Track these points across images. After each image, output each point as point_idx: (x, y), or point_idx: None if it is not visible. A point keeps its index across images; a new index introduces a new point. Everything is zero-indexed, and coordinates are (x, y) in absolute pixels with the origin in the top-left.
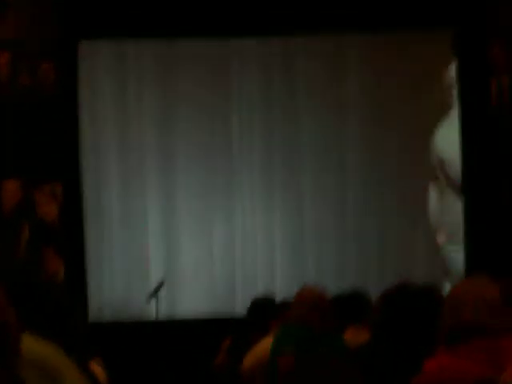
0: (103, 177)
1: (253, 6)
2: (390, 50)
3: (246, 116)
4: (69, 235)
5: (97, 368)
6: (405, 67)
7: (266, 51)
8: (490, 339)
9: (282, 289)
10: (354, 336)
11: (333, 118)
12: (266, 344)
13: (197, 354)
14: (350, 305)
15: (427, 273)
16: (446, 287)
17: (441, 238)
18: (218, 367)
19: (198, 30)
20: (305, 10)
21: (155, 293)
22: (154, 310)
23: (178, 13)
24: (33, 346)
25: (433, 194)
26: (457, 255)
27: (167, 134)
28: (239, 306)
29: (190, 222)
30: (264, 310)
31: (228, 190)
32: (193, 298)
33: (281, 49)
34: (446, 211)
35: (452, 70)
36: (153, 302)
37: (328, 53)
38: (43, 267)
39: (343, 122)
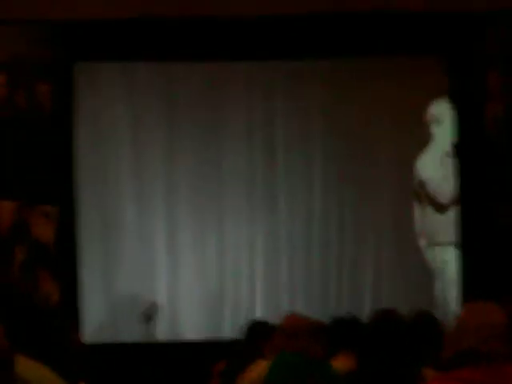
0: (99, 197)
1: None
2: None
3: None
4: (64, 257)
5: None
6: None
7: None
8: (491, 364)
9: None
10: (344, 362)
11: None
12: (259, 368)
13: (191, 377)
14: (344, 331)
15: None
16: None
17: (422, 242)
18: None
19: (193, 55)
20: (294, 36)
21: (148, 315)
22: (147, 333)
23: (172, 37)
24: (26, 368)
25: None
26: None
27: (163, 155)
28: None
29: (189, 242)
30: (258, 333)
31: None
32: (190, 319)
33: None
34: (428, 223)
35: (434, 107)
36: (146, 324)
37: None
38: (37, 289)
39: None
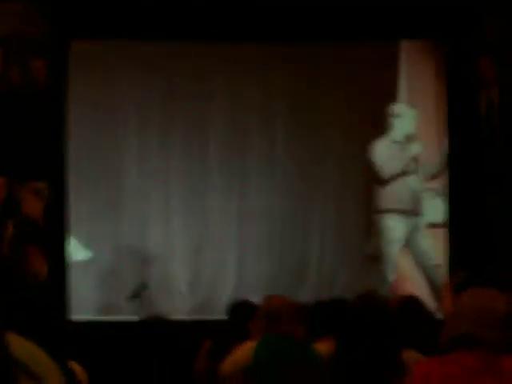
0: (89, 176)
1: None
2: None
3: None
4: (53, 234)
5: (77, 367)
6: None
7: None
8: (484, 350)
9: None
10: (327, 346)
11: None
12: (243, 349)
13: (177, 356)
14: (327, 315)
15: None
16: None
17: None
18: (199, 372)
19: (186, 33)
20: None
21: (137, 293)
22: (136, 310)
23: (168, 15)
24: (16, 346)
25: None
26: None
27: (155, 134)
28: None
29: (179, 220)
30: (243, 313)
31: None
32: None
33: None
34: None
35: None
36: (135, 302)
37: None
38: (26, 265)
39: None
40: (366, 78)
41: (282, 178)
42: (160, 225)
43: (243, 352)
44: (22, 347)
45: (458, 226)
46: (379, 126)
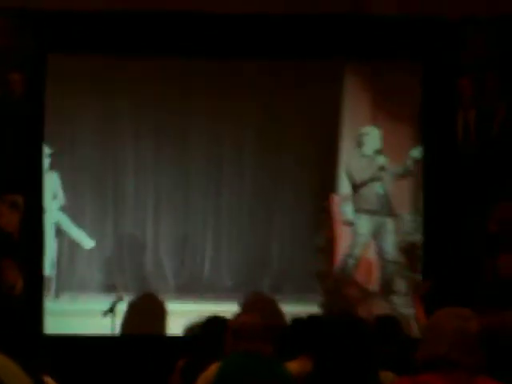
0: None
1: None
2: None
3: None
4: (29, 247)
5: (51, 382)
6: None
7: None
8: (462, 373)
9: None
10: (301, 364)
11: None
12: (212, 368)
13: (153, 372)
14: (304, 332)
15: None
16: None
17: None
18: None
19: (165, 49)
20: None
21: (112, 308)
22: (110, 325)
23: (144, 31)
24: None
25: None
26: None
27: (132, 145)
28: None
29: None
30: (215, 329)
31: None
32: None
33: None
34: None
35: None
36: (109, 316)
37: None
38: (1, 278)
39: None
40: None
41: (252, 185)
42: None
43: (214, 370)
44: None
45: (433, 243)
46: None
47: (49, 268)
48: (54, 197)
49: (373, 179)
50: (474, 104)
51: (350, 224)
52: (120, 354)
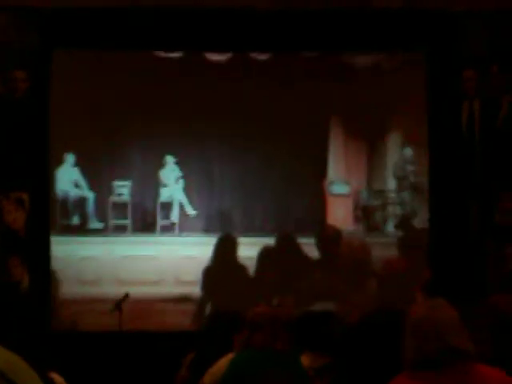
0: None
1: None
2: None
3: None
4: (35, 244)
5: (57, 378)
6: None
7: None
8: (471, 364)
9: None
10: (312, 358)
11: None
12: (224, 361)
13: (160, 367)
14: (315, 328)
15: None
16: None
17: None
18: (178, 382)
19: (172, 44)
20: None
21: (119, 304)
22: (117, 321)
23: (150, 26)
24: None
25: None
26: None
27: (140, 141)
28: None
29: None
30: (224, 324)
31: None
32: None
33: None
34: None
35: None
36: (116, 313)
37: None
38: (7, 276)
39: None
40: None
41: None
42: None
43: (223, 364)
44: (1, 357)
45: (438, 236)
46: None
47: None
48: None
49: None
50: (479, 95)
51: None
52: (127, 351)
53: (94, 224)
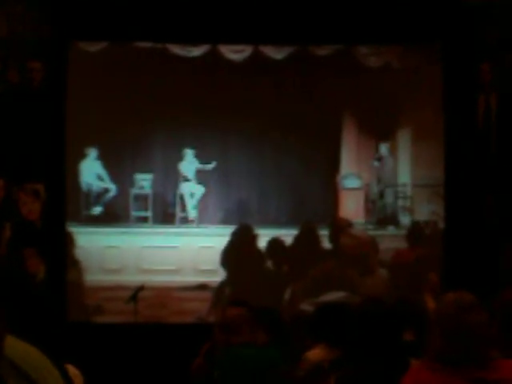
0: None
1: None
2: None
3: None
4: (51, 235)
5: (73, 370)
6: None
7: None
8: (466, 367)
9: None
10: (323, 351)
11: None
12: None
13: (176, 358)
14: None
15: None
16: None
17: None
18: (194, 371)
19: (186, 36)
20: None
21: (134, 296)
22: (132, 313)
23: (166, 18)
24: (12, 346)
25: None
26: None
27: (156, 135)
28: None
29: None
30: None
31: None
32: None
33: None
34: None
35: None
36: (131, 304)
37: None
38: (24, 266)
39: None
40: None
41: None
42: None
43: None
44: (17, 348)
45: (454, 228)
46: None
47: None
48: None
49: None
50: (495, 88)
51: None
52: (142, 341)
53: (116, 215)
